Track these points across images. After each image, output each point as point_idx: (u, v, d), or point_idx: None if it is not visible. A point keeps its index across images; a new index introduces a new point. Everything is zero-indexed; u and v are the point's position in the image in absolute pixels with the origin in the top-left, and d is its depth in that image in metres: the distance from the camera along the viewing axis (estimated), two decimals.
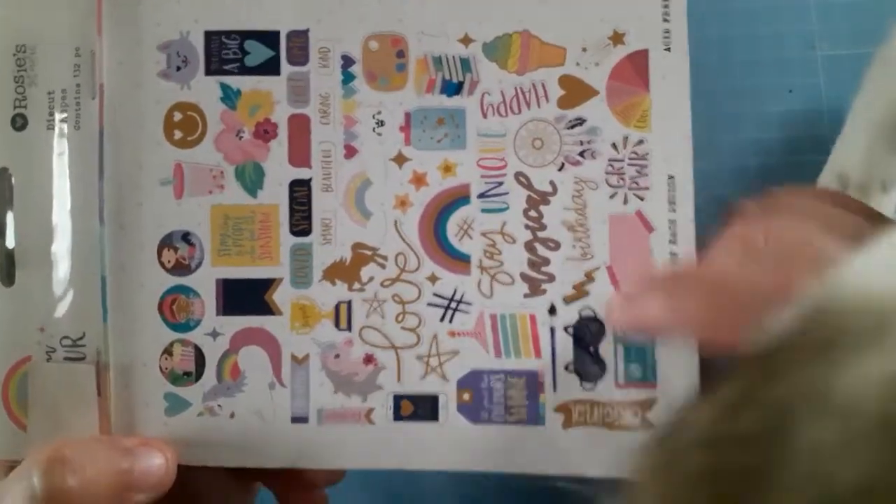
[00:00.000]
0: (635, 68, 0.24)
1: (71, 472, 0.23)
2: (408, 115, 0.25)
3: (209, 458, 0.25)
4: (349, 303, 0.25)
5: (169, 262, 0.25)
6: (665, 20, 0.23)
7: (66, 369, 0.25)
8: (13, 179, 0.25)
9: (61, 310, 0.25)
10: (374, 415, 0.25)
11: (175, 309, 0.25)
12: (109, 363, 0.25)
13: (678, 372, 0.24)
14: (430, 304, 0.25)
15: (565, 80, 0.24)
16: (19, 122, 0.25)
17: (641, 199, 0.24)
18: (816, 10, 0.44)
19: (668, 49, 0.24)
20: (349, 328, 0.25)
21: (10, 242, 0.25)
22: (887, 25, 0.41)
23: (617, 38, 0.24)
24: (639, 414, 0.24)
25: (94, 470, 0.23)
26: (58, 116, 0.25)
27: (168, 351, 0.25)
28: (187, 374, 0.25)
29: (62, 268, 0.25)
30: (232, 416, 0.25)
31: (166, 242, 0.25)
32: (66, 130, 0.25)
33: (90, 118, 0.25)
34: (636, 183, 0.24)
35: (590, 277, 0.25)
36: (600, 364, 0.24)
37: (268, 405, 0.25)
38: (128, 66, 0.25)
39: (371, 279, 0.25)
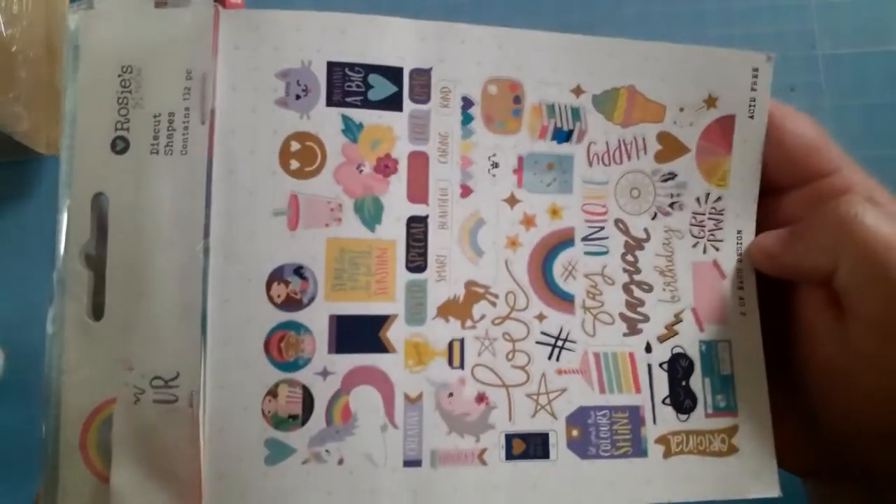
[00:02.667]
0: (722, 131, 0.26)
1: None
2: (521, 159, 0.25)
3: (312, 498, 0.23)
4: (462, 340, 0.25)
5: (279, 296, 0.23)
6: (753, 89, 0.26)
7: (159, 413, 0.22)
8: (110, 204, 0.23)
9: (153, 347, 0.22)
10: (486, 455, 0.24)
11: (283, 347, 0.23)
12: (205, 406, 0.23)
13: (753, 400, 0.26)
14: (538, 343, 0.25)
15: (663, 136, 0.26)
16: (120, 146, 0.23)
17: (717, 249, 0.26)
18: (817, 10, 0.44)
19: (752, 117, 0.26)
20: (462, 366, 0.24)
21: (101, 272, 0.22)
22: (887, 25, 0.43)
23: (710, 102, 0.26)
24: (726, 441, 0.26)
25: None
26: (163, 141, 0.23)
27: (272, 392, 0.23)
28: (293, 417, 0.23)
29: (157, 301, 0.23)
30: (340, 462, 0.23)
31: (277, 276, 0.23)
32: (172, 155, 0.23)
33: (199, 144, 0.23)
34: (713, 235, 0.26)
35: (678, 318, 0.26)
36: (692, 397, 0.26)
37: (379, 448, 0.24)
38: (242, 91, 0.23)
39: (483, 317, 0.25)
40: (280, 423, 0.23)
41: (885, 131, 0.43)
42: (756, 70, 0.26)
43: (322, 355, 0.24)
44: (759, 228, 0.27)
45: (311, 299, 0.24)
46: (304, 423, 0.23)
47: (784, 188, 0.27)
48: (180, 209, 0.23)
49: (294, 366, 0.23)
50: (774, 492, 0.25)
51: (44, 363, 0.22)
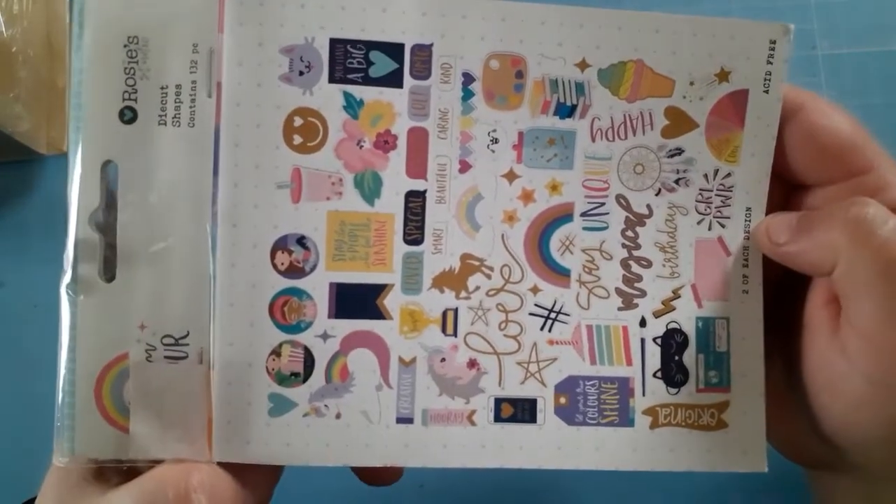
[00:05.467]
0: (735, 106, 0.25)
1: (203, 497, 0.23)
2: (521, 135, 0.25)
3: (313, 458, 0.25)
4: (456, 310, 0.25)
5: (282, 264, 0.25)
6: (769, 62, 0.25)
7: (171, 368, 0.24)
8: (119, 171, 0.24)
9: (164, 307, 0.24)
10: (475, 416, 0.25)
11: (286, 311, 0.25)
12: (213, 362, 0.24)
13: (747, 378, 0.26)
14: (531, 314, 0.26)
15: (670, 111, 0.25)
16: (128, 115, 0.24)
17: (723, 226, 0.26)
18: (816, 10, 0.44)
19: (767, 91, 0.25)
20: (455, 334, 0.25)
21: (111, 237, 0.24)
22: (888, 25, 0.42)
23: (723, 76, 0.25)
24: (715, 416, 0.26)
25: (222, 498, 0.23)
26: (170, 112, 0.24)
27: (276, 352, 0.25)
28: (295, 374, 0.25)
29: (168, 265, 0.24)
30: (338, 416, 0.25)
31: (281, 245, 0.25)
32: (179, 127, 0.24)
33: (205, 116, 0.24)
34: (720, 212, 0.26)
35: (676, 294, 0.26)
36: (683, 372, 0.26)
37: (374, 406, 0.25)
38: (248, 66, 0.24)
39: (477, 288, 0.25)
40: (283, 379, 0.25)
41: (885, 131, 0.41)
42: (773, 42, 0.24)
43: (322, 320, 0.25)
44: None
45: (313, 268, 0.25)
46: (305, 380, 0.25)
47: (815, 185, 0.26)
48: (189, 179, 0.24)
49: (296, 328, 0.25)
50: (762, 468, 0.26)
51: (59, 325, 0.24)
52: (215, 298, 0.24)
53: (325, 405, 0.25)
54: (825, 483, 0.27)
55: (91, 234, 0.24)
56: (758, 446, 0.26)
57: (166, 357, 0.24)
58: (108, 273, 0.24)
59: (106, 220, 0.24)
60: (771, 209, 0.26)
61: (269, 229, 0.24)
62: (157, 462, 0.24)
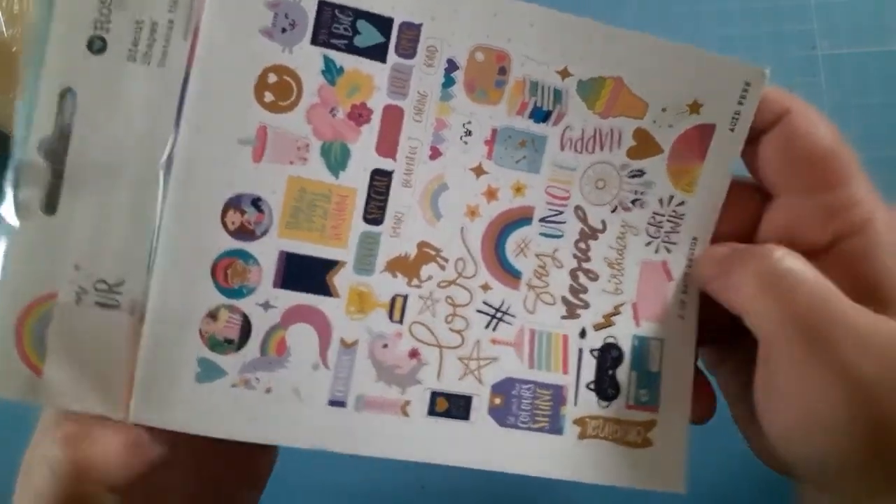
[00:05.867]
0: (700, 139, 0.26)
1: (89, 445, 0.22)
2: (494, 131, 0.25)
3: (235, 431, 0.24)
4: (405, 297, 0.25)
5: (233, 223, 0.23)
6: (740, 103, 0.26)
7: (99, 315, 0.23)
8: (78, 101, 0.22)
9: (103, 250, 0.22)
10: (409, 407, 0.25)
11: (230, 273, 0.24)
12: (145, 316, 0.23)
13: (675, 400, 0.27)
14: (478, 311, 0.25)
15: (639, 133, 0.26)
16: (97, 45, 0.22)
17: (669, 251, 0.27)
18: (816, 10, 0.44)
19: (732, 130, 0.26)
20: (401, 321, 0.25)
21: (59, 169, 0.22)
22: (888, 25, 0.43)
23: (694, 108, 0.26)
24: (641, 433, 0.26)
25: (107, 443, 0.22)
26: (142, 49, 0.22)
27: (212, 315, 0.23)
28: (229, 341, 0.24)
29: (113, 206, 0.22)
30: (268, 391, 0.24)
31: (234, 203, 0.23)
32: (149, 65, 0.23)
33: (178, 58, 0.23)
34: (668, 237, 0.27)
35: (617, 310, 0.26)
36: (615, 387, 0.26)
37: (307, 385, 0.24)
38: (229, 13, 0.23)
39: (430, 278, 0.25)
40: (216, 345, 0.24)
41: (885, 131, 0.42)
42: (748, 85, 0.25)
43: (267, 288, 0.24)
44: (761, 226, 0.26)
45: (265, 232, 0.24)
46: (238, 348, 0.24)
47: (787, 193, 0.26)
48: (149, 119, 0.23)
49: (238, 293, 0.24)
50: (680, 489, 0.26)
51: None
52: (157, 249, 0.23)
53: (257, 378, 0.24)
54: (805, 493, 0.27)
55: (38, 160, 0.22)
56: (678, 467, 0.26)
57: (97, 303, 0.23)
58: (51, 207, 0.22)
59: (56, 149, 0.22)
60: (744, 216, 0.26)
61: (224, 185, 0.23)
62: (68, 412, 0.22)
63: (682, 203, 0.26)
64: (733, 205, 0.26)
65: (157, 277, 0.23)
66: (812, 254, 0.24)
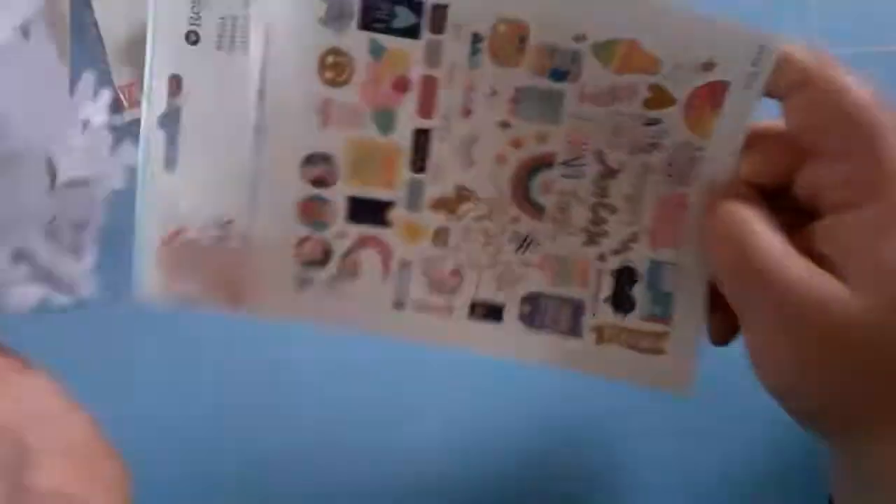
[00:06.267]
0: (714, 92, 0.28)
1: None
2: (518, 91, 0.29)
3: (328, 318, 0.32)
4: (448, 229, 0.31)
5: (310, 175, 0.30)
6: (754, 66, 0.27)
7: (219, 247, 0.31)
8: (183, 83, 0.29)
9: (214, 197, 0.30)
10: (453, 312, 0.32)
11: (312, 212, 0.31)
12: (251, 247, 0.31)
13: (687, 316, 0.31)
14: (509, 240, 0.31)
15: (654, 87, 0.28)
16: (193, 38, 0.29)
17: (687, 185, 0.30)
18: (817, 10, 0.43)
19: (748, 88, 0.27)
20: (445, 246, 0.31)
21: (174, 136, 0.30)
22: (888, 25, 0.42)
23: (708, 66, 0.27)
24: (654, 342, 0.32)
25: None
26: (227, 40, 0.28)
27: (301, 243, 0.31)
28: (316, 261, 0.31)
29: (218, 164, 0.30)
30: (348, 294, 0.32)
31: (310, 160, 0.30)
32: (233, 53, 0.29)
33: (256, 46, 0.29)
34: (686, 174, 0.30)
35: (634, 238, 0.31)
36: (631, 302, 0.31)
37: (376, 291, 0.31)
38: (291, 8, 0.28)
39: (467, 213, 0.31)
40: (306, 263, 0.31)
41: None
42: (762, 47, 0.26)
43: (340, 222, 0.31)
44: (795, 181, 0.27)
45: (334, 181, 0.30)
46: (323, 265, 0.31)
47: (810, 155, 0.26)
48: (238, 95, 0.29)
49: (319, 226, 0.31)
50: (687, 395, 0.31)
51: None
52: (257, 195, 0.30)
53: (339, 285, 0.31)
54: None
55: (158, 132, 0.29)
56: (687, 375, 0.31)
57: (214, 236, 0.31)
58: (170, 165, 0.30)
59: (170, 122, 0.29)
60: (779, 168, 0.27)
61: (301, 146, 0.30)
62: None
63: (700, 148, 0.29)
64: (772, 153, 0.28)
65: (259, 217, 0.31)
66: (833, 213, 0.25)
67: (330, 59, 0.29)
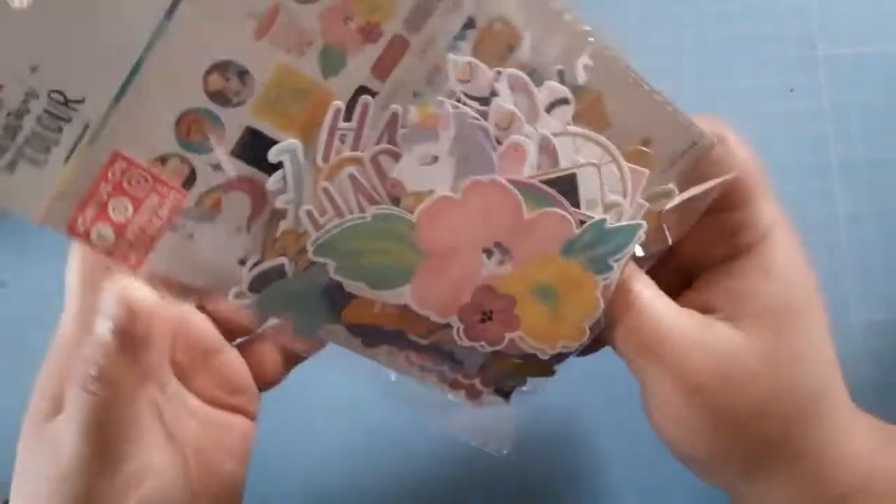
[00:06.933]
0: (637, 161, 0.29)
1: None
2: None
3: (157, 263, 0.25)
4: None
5: (214, 85, 0.23)
6: (681, 156, 0.28)
7: (48, 123, 0.22)
8: None
9: (71, 61, 0.22)
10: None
11: (193, 129, 0.24)
12: (92, 139, 0.23)
13: None
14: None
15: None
16: None
17: None
18: (817, 10, 0.43)
19: (664, 171, 0.28)
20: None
21: None
22: (888, 25, 0.43)
23: (645, 142, 0.28)
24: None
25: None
26: None
27: (163, 159, 0.24)
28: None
29: (105, 28, 0.21)
30: (190, 237, 0.25)
31: (221, 68, 0.23)
32: None
33: None
34: None
35: None
36: None
37: (225, 244, 0.26)
38: None
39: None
40: None
41: (885, 131, 0.43)
42: (695, 143, 0.28)
43: (222, 152, 0.25)
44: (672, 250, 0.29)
45: (240, 103, 0.24)
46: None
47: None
48: None
49: (194, 148, 0.24)
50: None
51: None
52: (130, 84, 0.22)
53: (184, 224, 0.25)
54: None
55: None
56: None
57: (46, 111, 0.22)
58: None
59: None
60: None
61: (217, 45, 0.23)
62: None
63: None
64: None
65: (122, 108, 0.23)
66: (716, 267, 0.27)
67: None
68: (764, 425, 0.25)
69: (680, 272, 0.30)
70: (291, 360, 0.31)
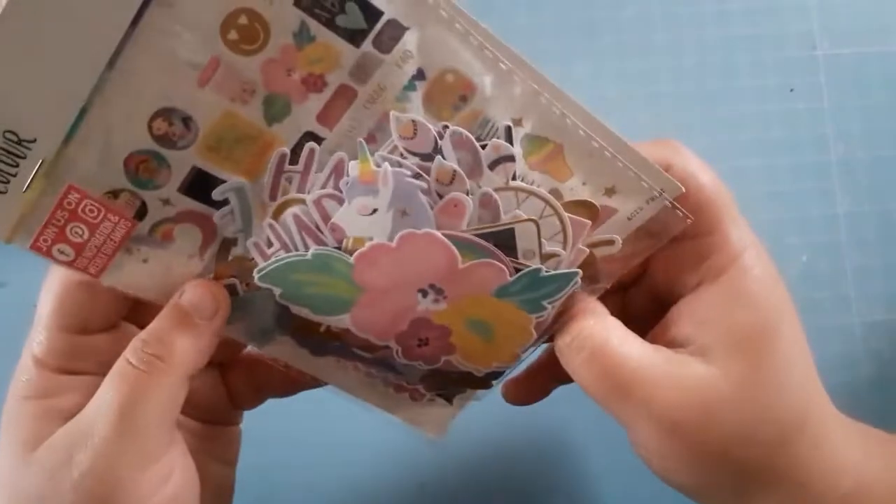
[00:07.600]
0: (602, 215, 0.28)
1: None
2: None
3: (110, 279, 0.27)
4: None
5: (158, 129, 0.24)
6: (647, 202, 0.27)
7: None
8: None
9: (24, 102, 0.23)
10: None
11: (141, 168, 0.24)
12: (48, 175, 0.24)
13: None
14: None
15: (553, 191, 0.27)
16: None
17: None
18: (817, 10, 0.43)
19: (629, 219, 0.27)
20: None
21: None
22: (888, 25, 0.43)
23: (609, 192, 0.27)
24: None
25: None
26: None
27: (114, 193, 0.25)
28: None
29: (50, 66, 0.22)
30: (145, 261, 0.27)
31: (165, 114, 0.24)
32: None
33: None
34: None
35: None
36: None
37: (179, 266, 0.27)
38: None
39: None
40: None
41: (885, 131, 0.43)
42: (662, 191, 0.27)
43: (171, 189, 0.25)
44: (649, 267, 0.29)
45: (185, 146, 0.24)
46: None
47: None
48: (111, 12, 0.22)
49: (144, 185, 0.25)
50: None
51: None
52: (78, 124, 0.23)
53: (139, 248, 0.26)
54: None
55: None
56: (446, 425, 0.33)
57: (2, 148, 0.23)
58: None
59: None
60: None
61: (161, 95, 0.23)
62: None
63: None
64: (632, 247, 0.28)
65: (72, 147, 0.24)
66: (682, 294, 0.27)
67: (242, 20, 0.22)
68: (747, 453, 0.25)
69: (654, 298, 0.29)
70: (266, 392, 0.32)
